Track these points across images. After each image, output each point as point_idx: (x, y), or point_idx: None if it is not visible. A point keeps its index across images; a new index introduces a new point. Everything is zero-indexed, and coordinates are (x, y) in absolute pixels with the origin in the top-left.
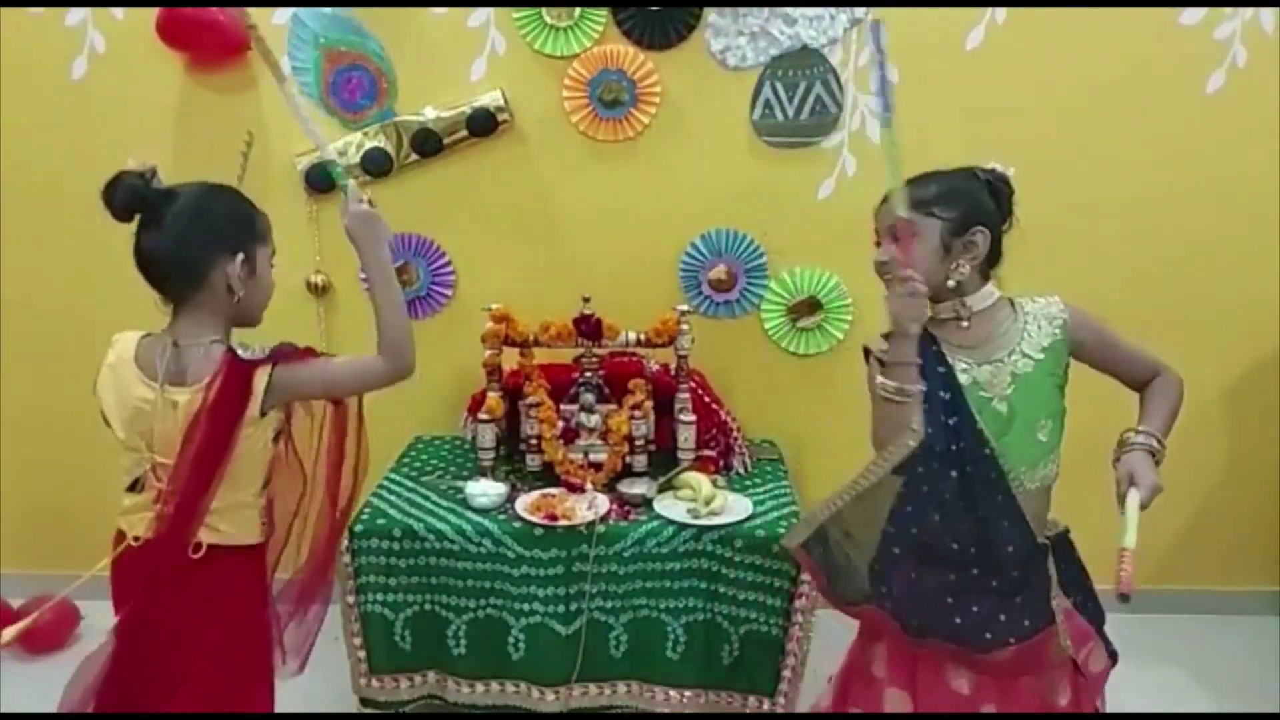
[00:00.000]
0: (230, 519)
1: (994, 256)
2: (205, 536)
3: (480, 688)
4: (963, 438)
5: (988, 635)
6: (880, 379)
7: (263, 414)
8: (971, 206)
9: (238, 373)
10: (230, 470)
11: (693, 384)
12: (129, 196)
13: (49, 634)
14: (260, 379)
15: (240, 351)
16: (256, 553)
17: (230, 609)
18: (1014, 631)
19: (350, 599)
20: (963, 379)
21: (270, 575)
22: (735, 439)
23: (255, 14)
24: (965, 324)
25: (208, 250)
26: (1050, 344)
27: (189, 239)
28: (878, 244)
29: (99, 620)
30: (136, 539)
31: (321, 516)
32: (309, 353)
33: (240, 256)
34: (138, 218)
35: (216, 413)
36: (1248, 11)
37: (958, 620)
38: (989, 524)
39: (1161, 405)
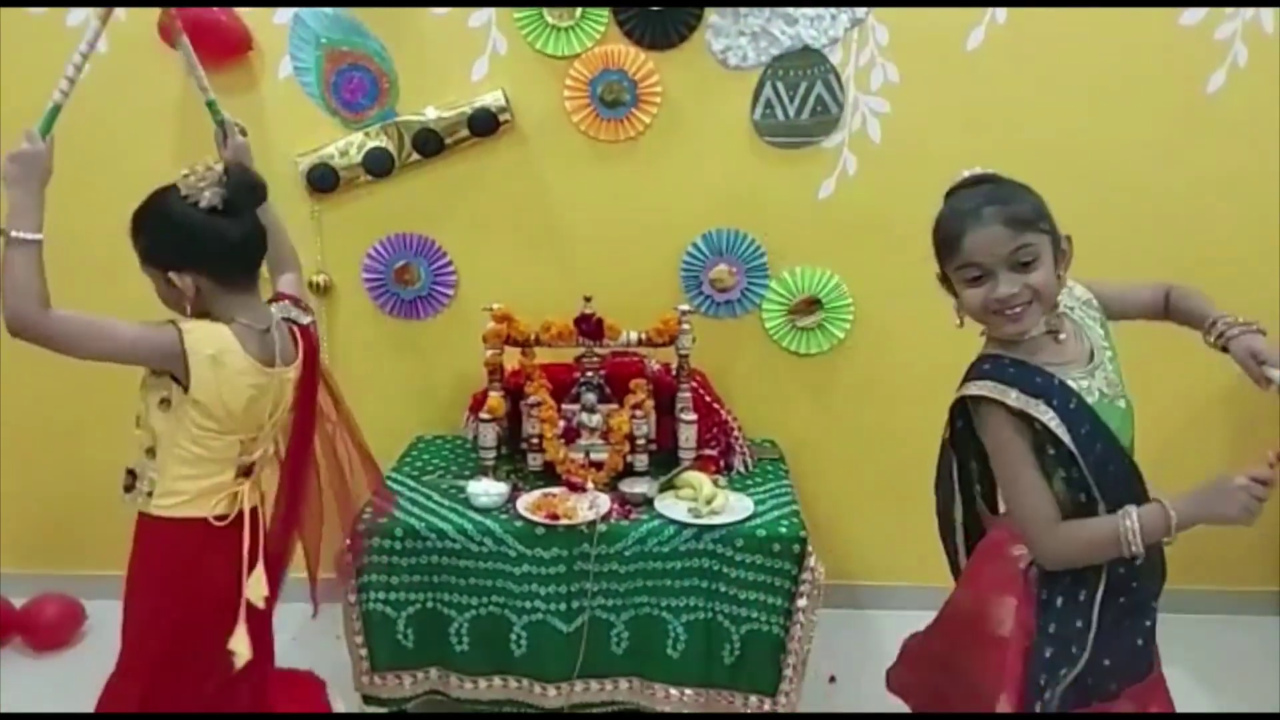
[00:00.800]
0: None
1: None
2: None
3: (483, 683)
4: (1111, 460)
5: (1150, 662)
6: (1135, 539)
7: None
8: (1048, 213)
9: (310, 339)
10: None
11: (694, 383)
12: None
13: (54, 632)
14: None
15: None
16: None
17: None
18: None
19: (351, 597)
20: (1090, 398)
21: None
22: (736, 438)
23: (257, 14)
24: (1063, 336)
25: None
26: (1102, 324)
27: (260, 242)
28: (978, 279)
29: (104, 618)
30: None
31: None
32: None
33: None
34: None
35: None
36: (1248, 11)
37: (1147, 662)
38: None
39: (1201, 299)
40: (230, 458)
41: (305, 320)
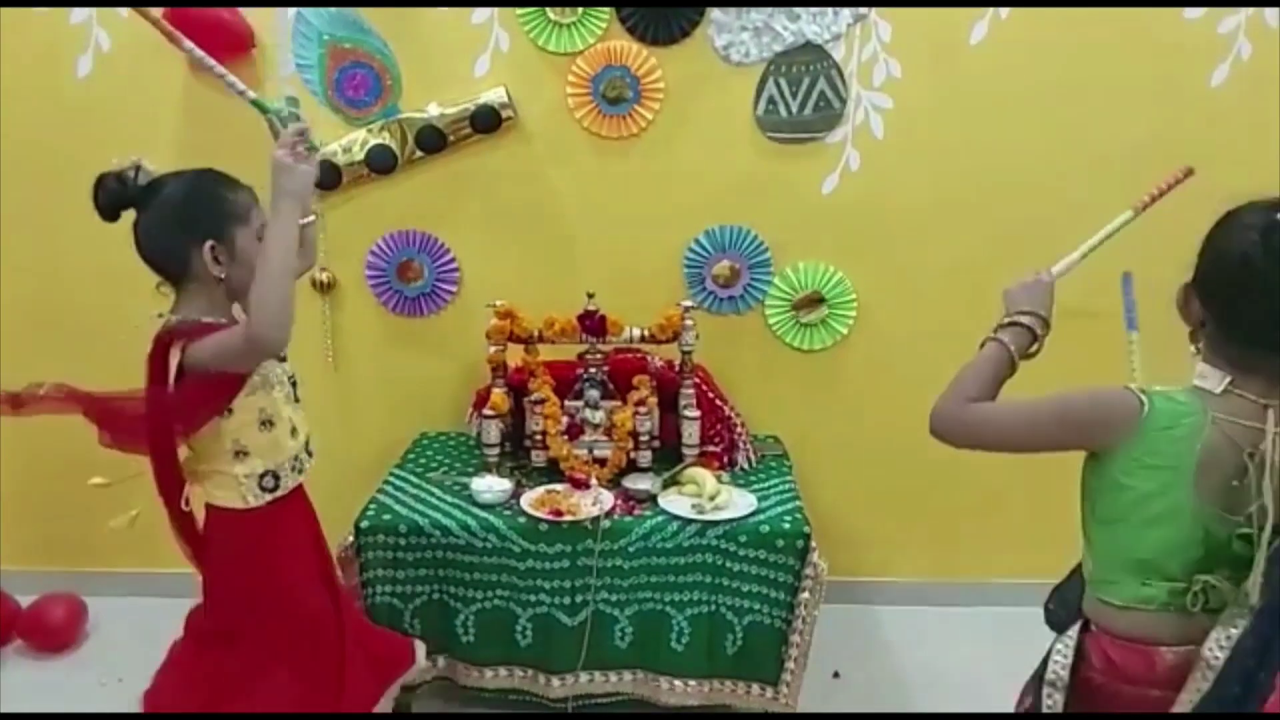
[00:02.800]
0: (215, 483)
1: (1240, 335)
2: (198, 496)
3: (489, 673)
4: None
5: None
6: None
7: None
8: (1202, 257)
9: (158, 345)
10: (194, 440)
11: (697, 380)
12: (107, 198)
13: (57, 634)
14: (174, 356)
15: (174, 325)
16: (246, 518)
17: (221, 565)
18: None
19: (357, 593)
20: None
21: None
22: (739, 435)
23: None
24: None
25: (180, 239)
26: None
27: (163, 230)
28: None
29: (106, 617)
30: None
31: None
32: (217, 327)
33: (209, 243)
34: (133, 213)
35: (149, 387)
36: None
37: None
38: None
39: (975, 364)
40: None
41: (165, 332)
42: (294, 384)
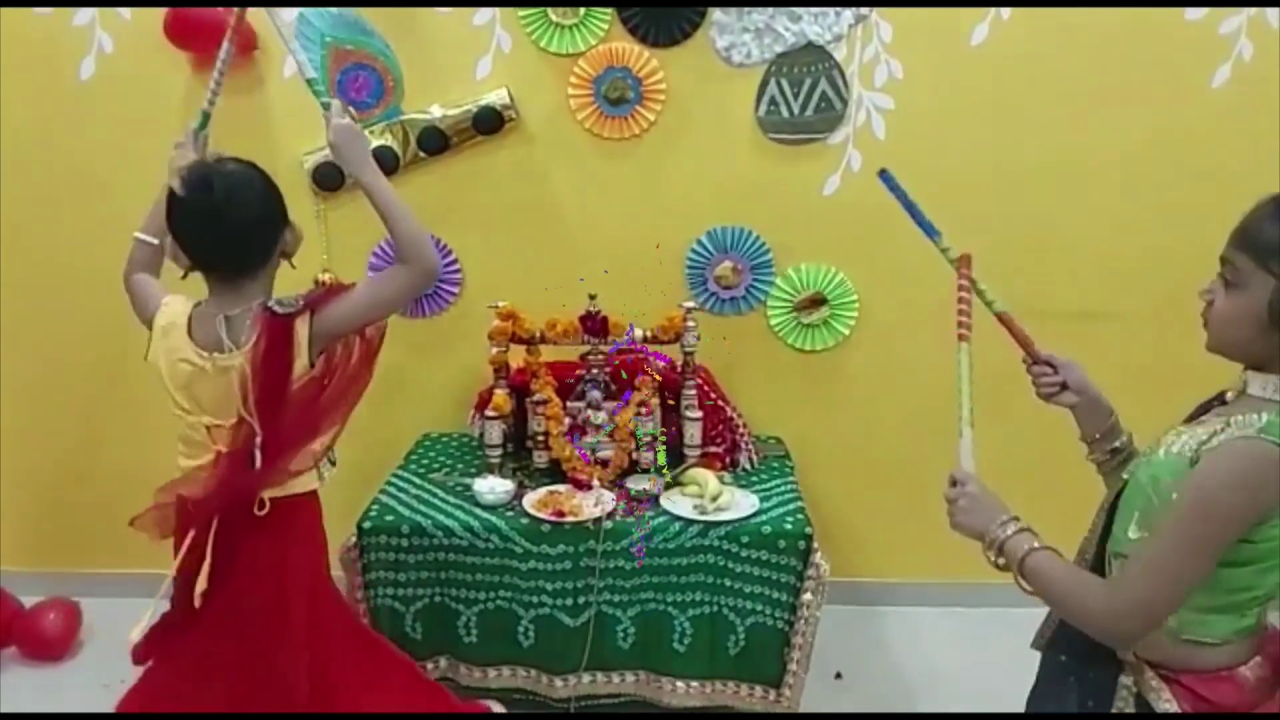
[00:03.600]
0: (297, 463)
1: None
2: (270, 492)
3: (492, 673)
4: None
5: None
6: None
7: (312, 364)
8: None
9: (277, 327)
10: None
11: (699, 381)
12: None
13: (53, 641)
14: (301, 329)
15: (277, 308)
16: (313, 498)
17: (292, 557)
18: None
19: (359, 594)
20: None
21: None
22: (741, 435)
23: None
24: (1230, 394)
25: (273, 223)
26: (1182, 450)
27: (262, 218)
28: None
29: (101, 622)
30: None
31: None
32: (338, 289)
33: (287, 226)
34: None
35: (266, 370)
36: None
37: None
38: None
39: (1061, 573)
40: (203, 442)
41: (284, 310)
42: None
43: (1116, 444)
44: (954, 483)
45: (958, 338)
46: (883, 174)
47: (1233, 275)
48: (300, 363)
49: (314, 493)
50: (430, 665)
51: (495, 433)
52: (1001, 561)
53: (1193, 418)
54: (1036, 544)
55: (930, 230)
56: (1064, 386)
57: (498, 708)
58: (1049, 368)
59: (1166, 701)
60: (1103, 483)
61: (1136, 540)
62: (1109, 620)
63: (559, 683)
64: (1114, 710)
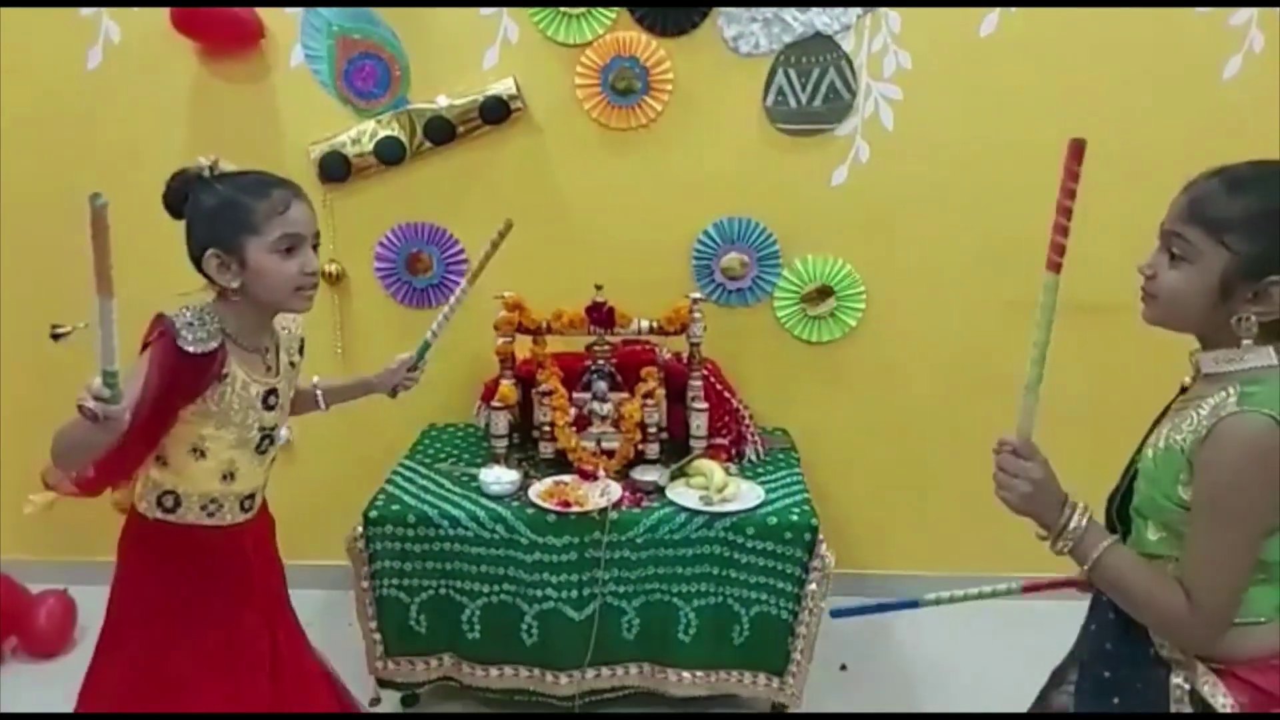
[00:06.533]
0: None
1: None
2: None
3: (495, 672)
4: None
5: None
6: None
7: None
8: (1265, 239)
9: (152, 323)
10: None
11: (705, 372)
12: (170, 194)
13: (49, 637)
14: (153, 335)
15: (175, 315)
16: (144, 524)
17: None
18: None
19: (365, 584)
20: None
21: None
22: (747, 427)
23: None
24: (1186, 380)
25: (195, 246)
26: (1172, 447)
27: (187, 232)
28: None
29: (97, 619)
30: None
31: None
32: (188, 368)
33: (210, 251)
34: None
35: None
36: None
37: None
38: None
39: (1139, 574)
40: None
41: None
42: (267, 437)
43: None
44: (1015, 453)
45: (1049, 265)
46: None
47: (1182, 249)
48: None
49: (141, 517)
50: (435, 661)
51: (501, 423)
52: (1063, 547)
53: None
54: (1108, 539)
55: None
56: None
57: None
58: None
59: (1224, 696)
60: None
61: (1158, 540)
62: (1187, 630)
63: (563, 679)
64: (1172, 707)
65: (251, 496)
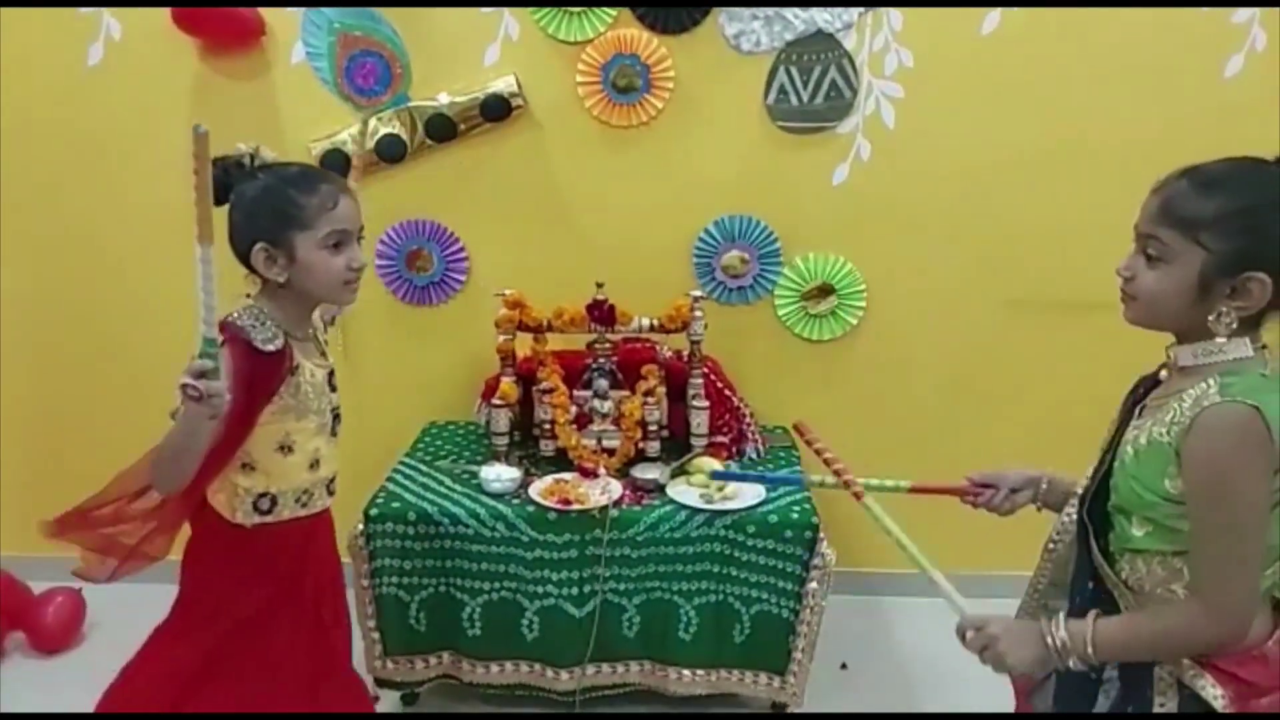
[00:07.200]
0: (217, 484)
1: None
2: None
3: (495, 668)
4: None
5: None
6: None
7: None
8: (1260, 240)
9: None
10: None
11: (706, 370)
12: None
13: (57, 633)
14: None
15: (236, 318)
16: (233, 531)
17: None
18: None
19: (365, 582)
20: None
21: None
22: (748, 425)
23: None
24: (1164, 376)
25: (242, 239)
26: (1157, 441)
27: (231, 225)
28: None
29: (105, 615)
30: None
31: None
32: (262, 367)
33: (259, 245)
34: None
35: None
36: None
37: None
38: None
39: (1137, 623)
40: None
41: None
42: (336, 418)
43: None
44: (968, 630)
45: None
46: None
47: (1159, 250)
48: None
49: (230, 525)
50: (434, 660)
51: (502, 421)
52: (1074, 663)
53: (1131, 409)
54: (1089, 620)
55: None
56: (1013, 491)
57: None
58: (986, 488)
59: (1214, 687)
60: None
61: (1144, 536)
62: (1214, 630)
63: (564, 675)
64: (1156, 702)
65: (333, 479)
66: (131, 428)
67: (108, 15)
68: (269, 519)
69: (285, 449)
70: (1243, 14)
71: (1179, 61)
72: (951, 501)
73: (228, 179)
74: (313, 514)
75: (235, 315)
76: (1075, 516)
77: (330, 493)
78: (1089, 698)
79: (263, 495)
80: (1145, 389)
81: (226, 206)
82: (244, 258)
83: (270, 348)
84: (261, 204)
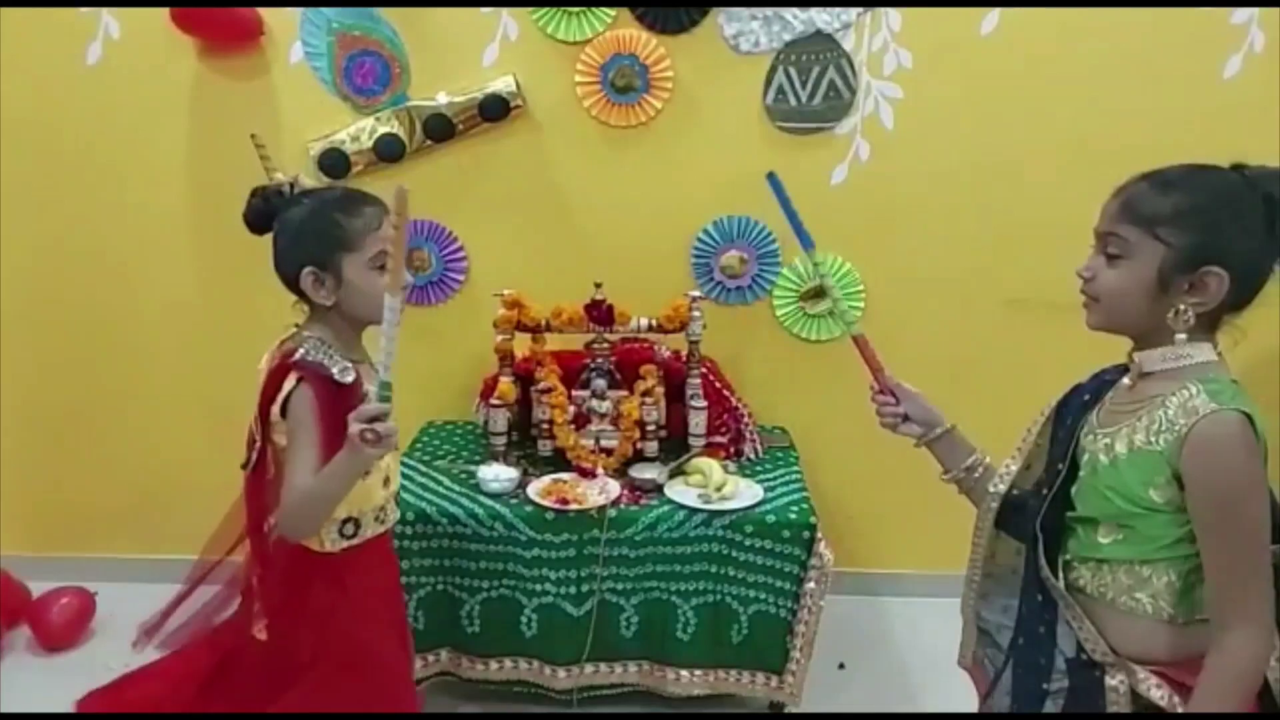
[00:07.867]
0: None
1: (1240, 301)
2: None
3: (494, 665)
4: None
5: None
6: None
7: (284, 415)
8: (1216, 235)
9: (279, 369)
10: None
11: (704, 370)
12: (252, 213)
13: (65, 629)
14: (289, 382)
15: (307, 354)
16: (319, 560)
17: (288, 599)
18: None
19: None
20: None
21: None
22: (746, 425)
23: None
24: (1129, 383)
25: (289, 264)
26: (1144, 449)
27: (277, 252)
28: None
29: (114, 610)
30: None
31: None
32: (342, 399)
33: (308, 269)
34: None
35: (261, 401)
36: None
37: None
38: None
39: (1212, 686)
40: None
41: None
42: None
43: (969, 462)
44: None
45: None
46: (770, 177)
47: (1119, 248)
48: (274, 409)
49: (316, 554)
50: (431, 658)
51: (500, 421)
52: None
53: (1078, 417)
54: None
55: (807, 241)
56: (906, 417)
57: None
58: (891, 397)
59: (1161, 695)
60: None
61: (1113, 544)
62: (1262, 649)
63: (561, 673)
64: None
65: (399, 491)
66: (131, 428)
67: (106, 15)
68: (354, 542)
69: (365, 473)
70: (1241, 14)
71: (1178, 62)
72: (953, 502)
73: (269, 207)
74: (388, 527)
75: (304, 352)
76: (1028, 527)
77: (398, 504)
78: (1039, 700)
79: (347, 521)
80: (1092, 395)
81: (270, 235)
82: (292, 283)
83: (348, 379)
84: (307, 228)
